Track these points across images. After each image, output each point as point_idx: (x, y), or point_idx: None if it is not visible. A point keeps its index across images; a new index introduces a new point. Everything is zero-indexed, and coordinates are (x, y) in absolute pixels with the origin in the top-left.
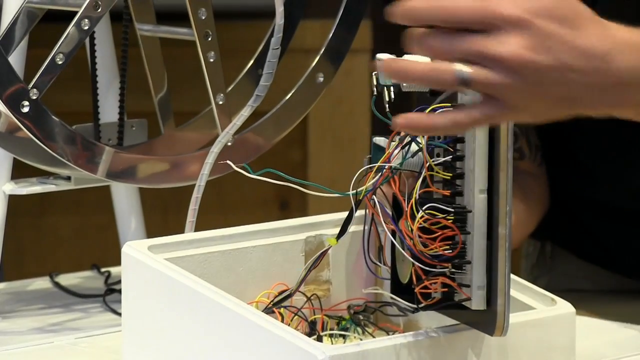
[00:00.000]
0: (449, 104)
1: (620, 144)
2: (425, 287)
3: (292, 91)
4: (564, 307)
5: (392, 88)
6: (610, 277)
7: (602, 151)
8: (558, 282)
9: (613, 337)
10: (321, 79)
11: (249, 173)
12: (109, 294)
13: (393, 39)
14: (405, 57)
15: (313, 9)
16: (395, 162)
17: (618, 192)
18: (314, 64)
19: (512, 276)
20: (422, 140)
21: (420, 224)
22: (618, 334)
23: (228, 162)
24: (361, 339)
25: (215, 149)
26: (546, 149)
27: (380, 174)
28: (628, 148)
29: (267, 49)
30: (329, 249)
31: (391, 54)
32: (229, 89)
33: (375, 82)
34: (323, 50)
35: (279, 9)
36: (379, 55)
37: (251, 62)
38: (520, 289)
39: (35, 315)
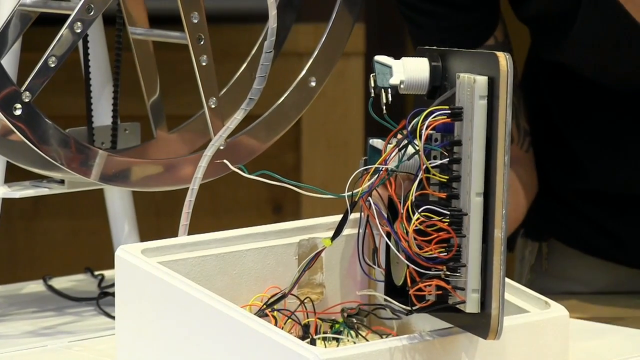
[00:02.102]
0: (446, 107)
1: (613, 131)
2: (420, 290)
3: (285, 95)
4: (557, 310)
5: (389, 90)
6: (605, 279)
7: (595, 138)
8: (554, 285)
9: (607, 340)
10: (314, 83)
11: (245, 173)
12: (103, 298)
13: (386, 42)
14: (403, 59)
15: (306, 13)
16: (391, 165)
17: (614, 181)
18: (306, 67)
19: (506, 279)
20: (419, 143)
21: (416, 226)
22: (612, 337)
23: (225, 161)
24: (355, 342)
25: (209, 152)
26: (540, 141)
27: (376, 175)
28: (621, 136)
29: (260, 53)
30: (323, 250)
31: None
32: (222, 92)
33: (372, 84)
34: (316, 53)
35: (272, 12)
36: (377, 58)
37: (244, 65)
38: (514, 292)
39: (28, 319)
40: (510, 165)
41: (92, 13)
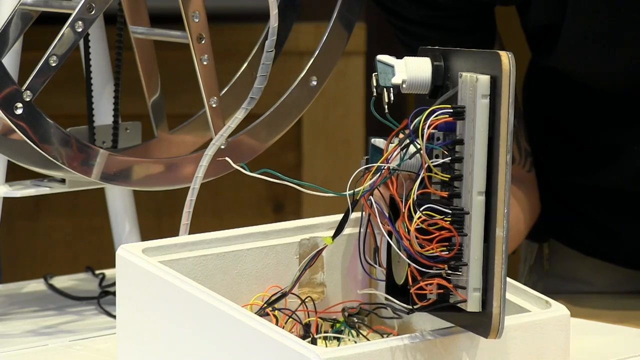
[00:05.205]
0: (449, 106)
1: (612, 130)
2: (421, 288)
3: (286, 94)
4: (558, 309)
5: (391, 89)
6: (605, 280)
7: (595, 137)
8: (555, 285)
9: (608, 339)
10: (314, 82)
11: (247, 172)
12: (104, 297)
13: (387, 41)
14: (405, 58)
15: (307, 12)
16: (393, 164)
17: (618, 174)
18: (307, 66)
19: (507, 279)
20: (421, 142)
21: (418, 224)
22: (613, 336)
23: (227, 159)
24: (355, 342)
25: (210, 151)
26: (544, 140)
27: (378, 174)
28: (620, 135)
29: (261, 52)
30: (323, 248)
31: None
32: (223, 91)
33: (374, 84)
34: (317, 53)
35: (273, 12)
36: (379, 57)
37: (245, 64)
38: (515, 292)
39: (29, 318)
40: (513, 184)
41: (93, 12)
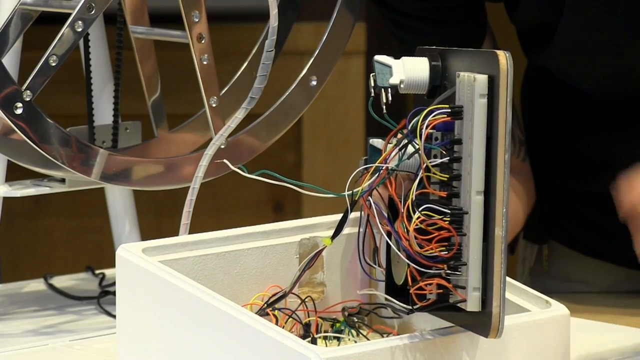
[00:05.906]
0: (447, 106)
1: (609, 132)
2: (421, 288)
3: (286, 94)
4: (558, 309)
5: (389, 90)
6: (605, 280)
7: (597, 138)
8: (554, 285)
9: (608, 338)
10: (314, 82)
11: (245, 173)
12: (104, 296)
13: (387, 41)
14: (403, 59)
15: (307, 12)
16: (392, 164)
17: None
18: (307, 66)
19: (507, 278)
20: (419, 142)
21: (417, 225)
22: (612, 336)
23: (225, 161)
24: (355, 341)
25: (210, 151)
26: (541, 142)
27: (377, 175)
28: (623, 134)
29: (261, 52)
30: (323, 249)
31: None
32: (223, 91)
33: (372, 84)
34: (317, 53)
35: (273, 11)
36: (376, 57)
37: (245, 64)
38: (515, 291)
39: (29, 318)
40: (509, 175)
41: (93, 12)
